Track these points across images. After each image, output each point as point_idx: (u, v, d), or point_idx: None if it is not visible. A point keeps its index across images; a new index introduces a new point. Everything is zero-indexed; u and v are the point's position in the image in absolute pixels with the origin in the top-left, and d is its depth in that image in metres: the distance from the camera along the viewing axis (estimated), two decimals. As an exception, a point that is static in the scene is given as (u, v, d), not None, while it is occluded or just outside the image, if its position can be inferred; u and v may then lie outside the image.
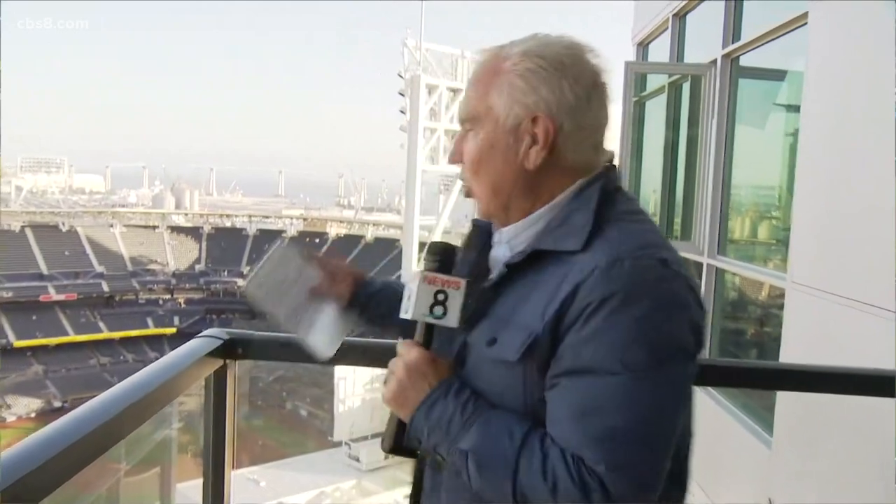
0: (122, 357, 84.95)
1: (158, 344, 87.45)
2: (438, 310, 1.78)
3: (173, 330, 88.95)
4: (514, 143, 1.73)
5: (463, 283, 1.81)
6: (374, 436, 29.20)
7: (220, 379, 2.45)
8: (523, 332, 1.63)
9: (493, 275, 1.84)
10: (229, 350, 2.42)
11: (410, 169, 32.11)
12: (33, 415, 72.28)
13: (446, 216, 37.19)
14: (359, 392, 28.07)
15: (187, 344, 2.34)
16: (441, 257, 1.89)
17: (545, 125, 1.68)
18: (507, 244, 1.87)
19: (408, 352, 1.82)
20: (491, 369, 1.73)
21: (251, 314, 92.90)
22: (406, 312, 1.82)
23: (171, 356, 2.20)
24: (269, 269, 2.37)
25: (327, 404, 71.36)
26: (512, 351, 1.65)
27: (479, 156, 1.80)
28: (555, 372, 1.60)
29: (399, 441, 1.85)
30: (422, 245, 33.46)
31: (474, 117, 1.79)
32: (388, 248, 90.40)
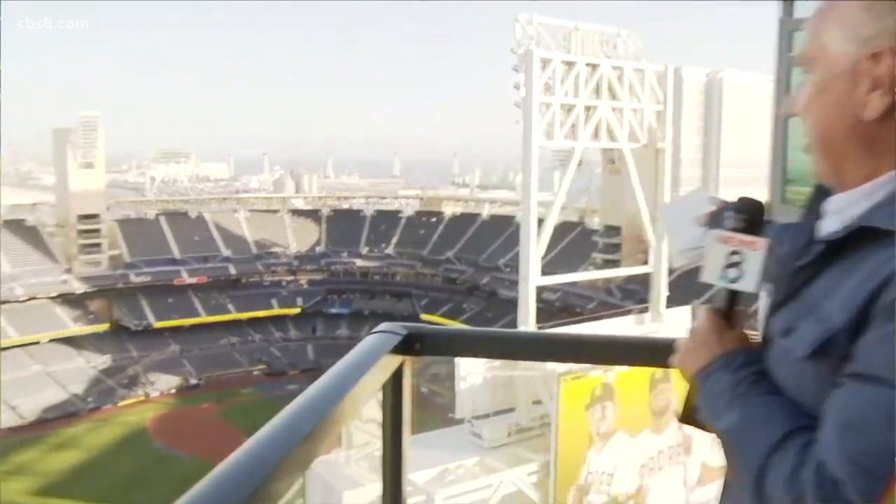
0: (249, 337, 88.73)
1: (283, 324, 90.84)
2: (732, 272, 1.62)
3: (297, 310, 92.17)
4: (848, 88, 1.43)
5: (762, 242, 1.61)
6: (496, 413, 29.30)
7: (396, 378, 2.27)
8: (821, 327, 1.40)
9: (811, 252, 1.56)
10: (407, 346, 2.26)
11: (526, 145, 31.78)
12: (173, 391, 76.62)
13: (563, 192, 36.78)
14: (480, 370, 28.06)
15: (365, 342, 2.21)
16: (749, 216, 1.66)
17: (889, 64, 1.37)
18: (836, 215, 1.56)
19: (699, 318, 1.68)
20: (779, 358, 1.53)
21: (371, 294, 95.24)
22: (704, 275, 1.68)
23: (352, 358, 2.07)
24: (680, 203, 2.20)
25: (448, 381, 72.34)
26: (803, 346, 1.44)
27: (808, 104, 1.52)
28: (846, 370, 1.36)
29: (688, 410, 1.71)
30: (540, 221, 33.17)
31: (808, 59, 1.51)
32: (504, 226, 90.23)
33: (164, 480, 54.85)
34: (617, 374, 27.03)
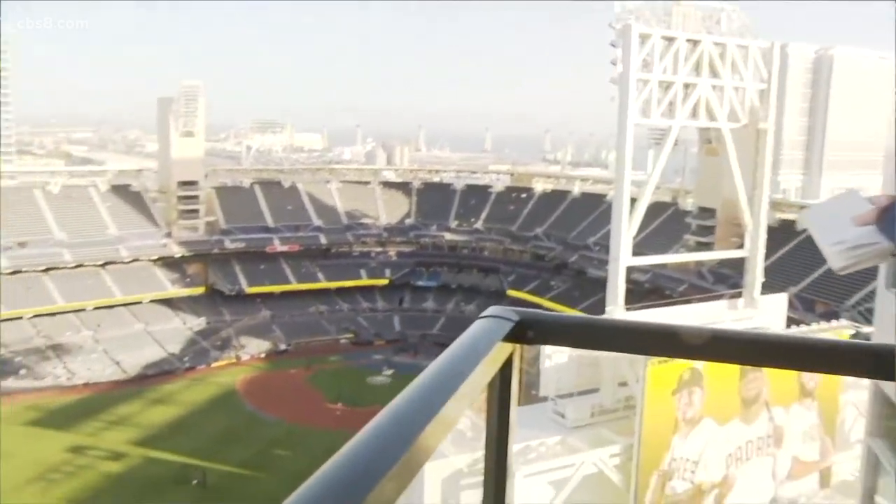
0: (337, 306, 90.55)
1: (370, 294, 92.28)
2: None
3: (385, 281, 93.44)
4: None
5: None
6: (580, 393, 29.02)
7: (506, 368, 2.08)
8: None
9: None
10: (519, 334, 2.08)
11: (622, 122, 31.07)
12: (263, 355, 79.04)
13: (658, 171, 35.90)
14: (565, 348, 27.81)
15: (476, 327, 2.04)
16: None
17: None
18: None
19: None
20: None
21: (458, 268, 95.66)
22: None
23: (463, 345, 1.92)
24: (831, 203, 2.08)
25: (532, 357, 72.25)
26: None
27: None
28: None
29: None
30: (632, 201, 32.50)
31: None
32: (595, 204, 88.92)
33: (251, 440, 56.81)
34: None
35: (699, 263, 68.99)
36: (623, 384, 28.34)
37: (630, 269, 33.81)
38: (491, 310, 2.18)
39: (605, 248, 61.11)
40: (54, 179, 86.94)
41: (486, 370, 1.86)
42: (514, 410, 2.13)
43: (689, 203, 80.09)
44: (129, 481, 49.83)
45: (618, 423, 27.71)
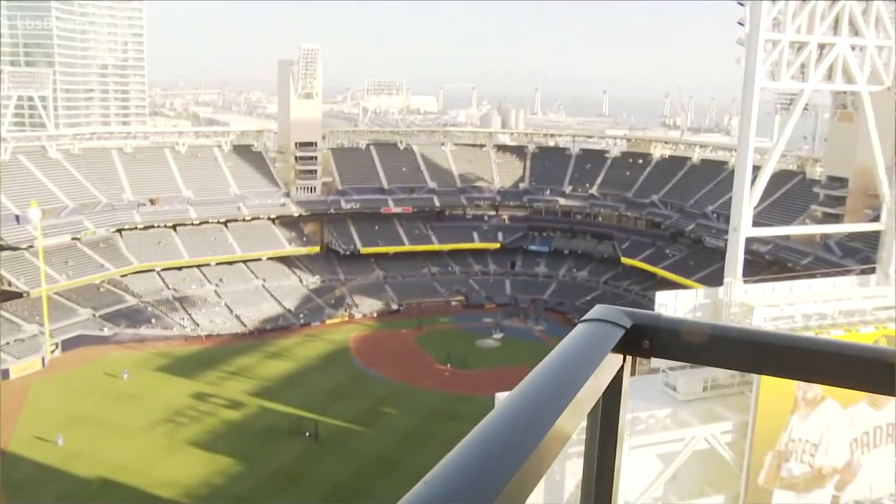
0: (449, 268, 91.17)
1: (482, 258, 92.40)
2: None
3: (497, 245, 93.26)
4: None
5: None
6: (693, 365, 28.10)
7: (615, 383, 1.76)
8: None
9: None
10: (631, 343, 1.76)
11: (747, 86, 29.35)
12: (374, 314, 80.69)
13: (784, 138, 33.90)
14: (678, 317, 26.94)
15: (579, 333, 1.74)
16: None
17: None
18: None
19: None
20: None
21: (571, 233, 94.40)
22: None
23: (564, 356, 1.66)
24: None
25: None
26: None
27: None
28: None
29: None
30: (755, 168, 30.87)
31: None
32: (715, 171, 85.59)
33: (360, 397, 58.28)
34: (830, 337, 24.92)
35: (825, 236, 65.51)
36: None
37: (750, 240, 32.33)
38: (597, 310, 1.87)
39: (725, 218, 58.78)
40: (182, 140, 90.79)
41: (591, 385, 1.61)
42: (623, 436, 1.81)
43: (817, 172, 75.95)
44: (247, 429, 52.10)
45: (732, 398, 26.70)
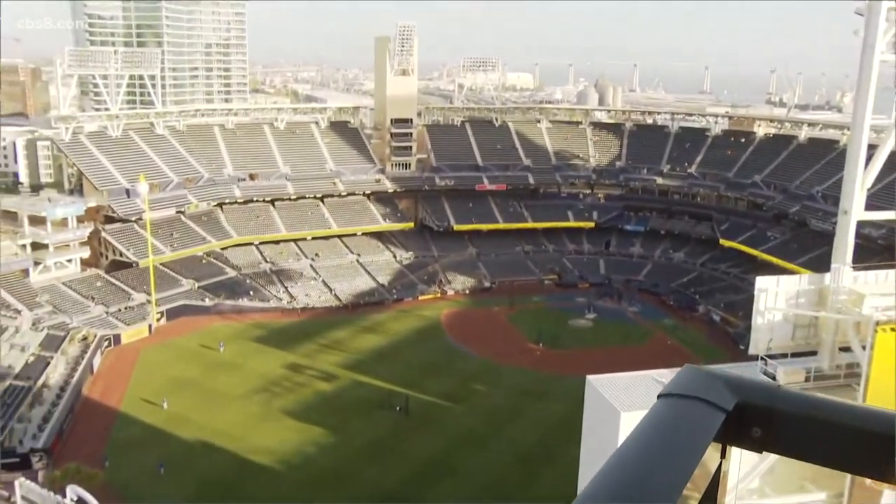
0: (543, 246, 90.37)
1: (577, 236, 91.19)
2: None
3: (592, 224, 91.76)
4: None
5: None
6: (795, 355, 26.91)
7: (712, 479, 1.39)
8: None
9: None
10: (736, 429, 1.33)
11: (865, 59, 27.53)
12: (467, 291, 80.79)
13: (904, 115, 31.77)
14: (781, 305, 25.75)
15: (665, 414, 1.33)
16: None
17: None
18: None
19: None
20: None
21: (668, 213, 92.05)
22: None
23: (648, 446, 1.25)
24: None
25: (742, 311, 68.72)
26: None
27: None
28: None
29: None
30: (871, 147, 29.09)
31: None
32: (823, 151, 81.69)
33: (451, 373, 58.61)
34: (949, 330, 23.37)
35: (946, 220, 61.70)
36: (845, 349, 25.93)
37: (862, 224, 30.64)
38: (686, 378, 1.42)
39: (833, 199, 56.04)
40: (281, 116, 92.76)
41: (677, 484, 1.23)
42: None
43: (938, 152, 71.44)
44: (339, 401, 53.18)
45: (837, 391, 25.42)
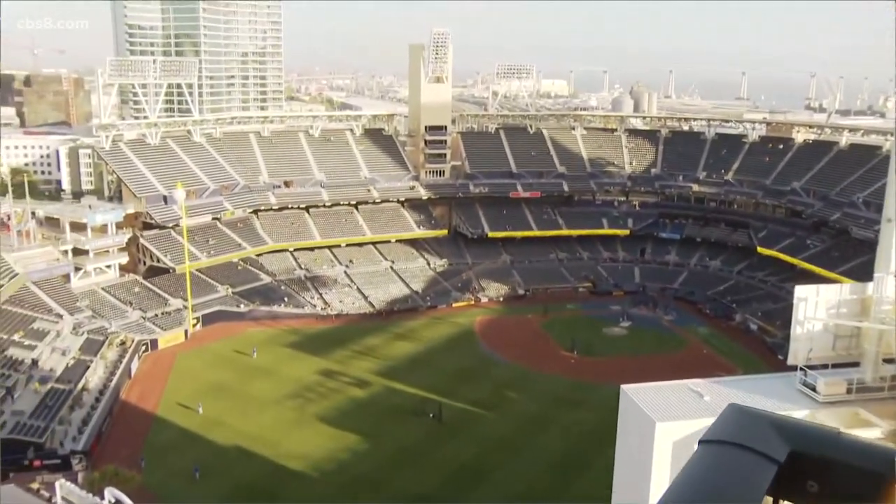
0: (577, 254, 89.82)
1: (611, 244, 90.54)
2: None
3: (626, 232, 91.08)
4: None
5: None
6: (836, 366, 26.36)
7: None
8: None
9: None
10: (789, 482, 1.15)
11: (907, 63, 27.17)
12: (500, 299, 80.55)
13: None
14: (821, 315, 25.25)
15: (704, 467, 1.15)
16: None
17: None
18: None
19: None
20: None
21: (704, 220, 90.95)
22: None
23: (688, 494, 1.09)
24: None
25: (780, 320, 67.53)
26: None
27: None
28: None
29: None
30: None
31: None
32: (866, 157, 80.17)
33: (484, 380, 58.40)
34: None
35: None
36: (890, 360, 25.34)
37: (905, 232, 29.92)
38: (728, 418, 1.20)
39: (876, 207, 54.98)
40: (316, 124, 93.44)
41: None
42: None
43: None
44: (372, 408, 53.26)
45: (880, 404, 24.81)
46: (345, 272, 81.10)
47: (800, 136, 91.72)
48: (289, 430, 49.38)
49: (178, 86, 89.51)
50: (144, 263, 74.41)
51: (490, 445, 48.05)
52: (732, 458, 1.19)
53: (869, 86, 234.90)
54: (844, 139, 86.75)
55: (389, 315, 74.28)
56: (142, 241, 73.69)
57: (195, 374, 58.02)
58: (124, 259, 72.32)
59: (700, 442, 1.31)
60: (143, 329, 64.72)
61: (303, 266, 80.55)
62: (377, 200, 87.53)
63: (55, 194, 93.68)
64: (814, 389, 25.26)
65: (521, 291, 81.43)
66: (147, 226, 74.33)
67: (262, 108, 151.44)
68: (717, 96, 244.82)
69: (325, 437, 48.72)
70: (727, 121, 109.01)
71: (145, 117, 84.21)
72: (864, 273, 34.24)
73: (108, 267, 71.21)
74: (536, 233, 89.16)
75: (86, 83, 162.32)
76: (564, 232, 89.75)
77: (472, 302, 78.57)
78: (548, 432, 49.62)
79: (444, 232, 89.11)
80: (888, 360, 25.09)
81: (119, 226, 72.20)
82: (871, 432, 24.00)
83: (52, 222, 70.41)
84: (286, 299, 74.39)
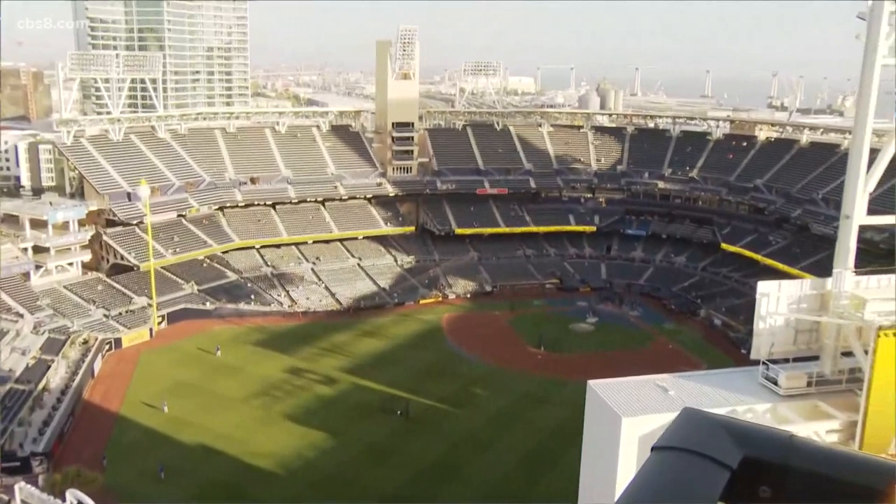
0: (544, 251, 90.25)
1: (578, 241, 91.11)
2: None
3: (593, 228, 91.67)
4: None
5: None
6: (797, 359, 26.82)
7: None
8: None
9: None
10: (741, 486, 1.17)
11: (867, 64, 27.48)
12: (468, 295, 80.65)
13: (906, 119, 31.74)
14: (783, 310, 25.67)
15: (655, 475, 1.16)
16: None
17: None
18: None
19: None
20: None
21: (669, 217, 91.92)
22: None
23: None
24: None
25: (743, 315, 68.61)
26: None
27: None
28: None
29: None
30: (873, 151, 28.97)
31: None
32: (825, 155, 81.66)
33: (452, 377, 58.48)
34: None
35: (948, 224, 61.58)
36: (848, 354, 25.83)
37: (864, 228, 30.56)
38: (682, 423, 1.21)
39: (835, 204, 55.95)
40: (282, 120, 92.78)
41: None
42: None
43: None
44: (340, 405, 53.08)
45: (839, 396, 25.31)
46: (312, 269, 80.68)
47: (762, 134, 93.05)
48: (255, 429, 49.04)
49: (142, 81, 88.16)
50: (108, 261, 73.34)
51: (458, 442, 48.14)
52: (684, 464, 1.20)
53: (828, 86, 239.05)
54: (805, 137, 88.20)
55: (357, 312, 74.04)
56: (105, 238, 72.61)
57: (160, 373, 57.36)
58: (87, 257, 71.21)
59: (653, 448, 1.32)
60: (106, 328, 63.82)
61: (269, 263, 79.98)
62: (344, 197, 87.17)
63: (14, 191, 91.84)
64: (775, 383, 25.68)
65: (488, 288, 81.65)
66: (110, 223, 73.23)
67: (228, 104, 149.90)
68: (683, 94, 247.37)
69: (292, 435, 48.47)
70: (692, 118, 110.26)
71: (108, 113, 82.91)
72: (824, 269, 34.84)
73: (70, 265, 70.09)
74: (503, 229, 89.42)
75: (45, 77, 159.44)
76: (531, 229, 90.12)
77: (440, 299, 78.62)
78: (516, 428, 49.85)
79: (412, 229, 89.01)
80: (846, 354, 25.60)
81: (81, 223, 71.05)
82: (830, 424, 24.49)
83: (11, 219, 69.06)
84: (253, 297, 73.82)
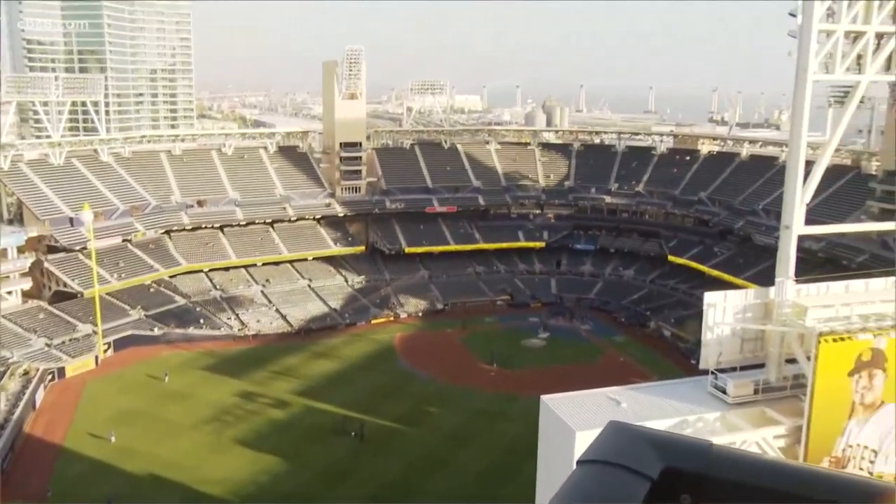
0: (494, 267, 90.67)
1: (528, 257, 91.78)
2: None
3: (542, 244, 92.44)
4: None
5: None
6: (744, 368, 27.39)
7: None
8: None
9: None
10: (662, 495, 1.22)
11: (800, 79, 28.43)
12: (419, 314, 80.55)
13: (839, 132, 32.76)
14: (729, 320, 26.22)
15: (583, 484, 1.20)
16: None
17: None
18: None
19: None
20: None
21: (617, 231, 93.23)
22: None
23: None
24: None
25: (691, 326, 69.81)
26: None
27: None
28: None
29: None
30: (808, 164, 29.88)
31: None
32: (765, 167, 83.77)
33: (406, 396, 58.23)
34: (889, 340, 24.03)
35: (882, 232, 63.65)
36: (791, 361, 26.47)
37: (803, 238, 31.41)
38: (607, 437, 1.26)
39: (775, 215, 57.35)
40: (228, 142, 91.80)
41: None
42: None
43: (873, 166, 73.93)
44: (293, 429, 52.39)
45: (784, 402, 25.92)
46: (262, 291, 79.75)
47: (705, 148, 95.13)
48: (206, 456, 48.07)
49: (83, 104, 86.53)
50: (50, 289, 71.47)
51: (415, 461, 47.89)
52: (607, 476, 1.24)
53: (765, 100, 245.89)
54: (745, 150, 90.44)
55: (308, 334, 73.35)
56: (46, 265, 70.76)
57: (106, 402, 55.94)
58: (27, 284, 69.32)
59: (577, 462, 1.35)
60: (48, 357, 62.07)
61: (218, 286, 78.84)
62: (293, 218, 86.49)
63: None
64: (724, 392, 26.17)
65: (439, 306, 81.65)
66: (52, 249, 71.42)
67: (173, 127, 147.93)
68: (627, 110, 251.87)
69: (244, 460, 47.65)
70: (637, 133, 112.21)
71: (48, 136, 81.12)
72: (766, 278, 35.65)
73: (10, 293, 68.11)
74: (453, 247, 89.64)
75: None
76: (481, 246, 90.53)
77: (391, 318, 78.34)
78: (471, 446, 49.78)
79: (362, 248, 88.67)
80: (790, 361, 26.22)
81: (21, 250, 69.20)
82: (777, 430, 25.01)
83: (-53, 248, 66.97)
84: (202, 321, 72.61)
